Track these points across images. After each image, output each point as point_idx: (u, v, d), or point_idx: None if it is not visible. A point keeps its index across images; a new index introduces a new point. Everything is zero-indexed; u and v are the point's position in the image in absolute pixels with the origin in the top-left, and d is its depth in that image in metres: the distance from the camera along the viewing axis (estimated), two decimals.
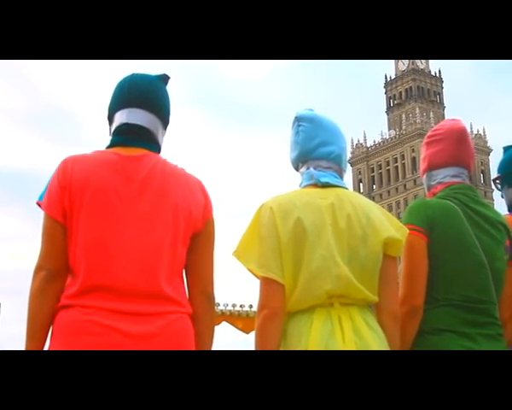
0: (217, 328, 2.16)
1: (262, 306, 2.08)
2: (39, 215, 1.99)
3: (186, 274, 2.04)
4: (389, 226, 2.14)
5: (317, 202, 2.13)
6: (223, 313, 11.44)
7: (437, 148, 2.46)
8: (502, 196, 2.76)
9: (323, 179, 2.18)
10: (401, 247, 2.16)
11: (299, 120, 2.28)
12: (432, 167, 2.48)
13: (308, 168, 2.23)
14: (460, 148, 2.44)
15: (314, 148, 2.23)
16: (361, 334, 2.02)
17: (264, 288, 2.09)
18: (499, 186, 2.77)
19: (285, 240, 2.08)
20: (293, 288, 2.07)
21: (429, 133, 2.54)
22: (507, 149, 2.78)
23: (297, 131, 2.27)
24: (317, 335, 2.01)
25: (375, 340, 2.03)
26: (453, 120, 2.54)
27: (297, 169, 2.30)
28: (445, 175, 2.44)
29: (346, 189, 2.23)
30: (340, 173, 2.25)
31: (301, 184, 2.25)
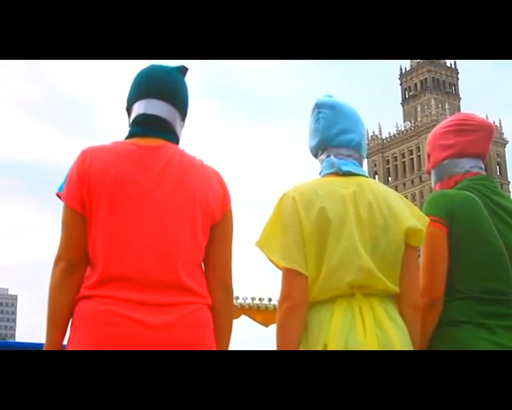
0: (236, 321, 2.15)
1: (284, 297, 2.06)
2: (54, 206, 2.01)
3: (204, 266, 2.04)
4: (410, 216, 2.12)
5: (339, 192, 2.10)
6: (242, 306, 11.39)
7: (470, 137, 2.46)
8: None
9: (345, 168, 2.15)
10: (422, 237, 2.13)
11: (319, 106, 2.25)
12: (461, 155, 2.46)
13: (328, 156, 2.20)
14: (488, 143, 2.48)
15: (334, 135, 2.20)
16: (382, 325, 2.01)
17: (286, 279, 2.07)
18: None
19: (308, 230, 2.05)
20: (316, 279, 2.05)
21: (457, 121, 2.51)
22: None
23: (317, 119, 2.24)
24: (338, 326, 1.99)
25: (395, 331, 2.02)
26: (473, 114, 2.55)
27: (316, 157, 2.27)
28: (473, 165, 2.45)
29: (367, 177, 2.21)
30: (359, 161, 2.23)
31: (321, 172, 2.22)
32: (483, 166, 2.47)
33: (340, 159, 2.18)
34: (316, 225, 2.05)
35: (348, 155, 2.19)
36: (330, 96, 2.28)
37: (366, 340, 1.97)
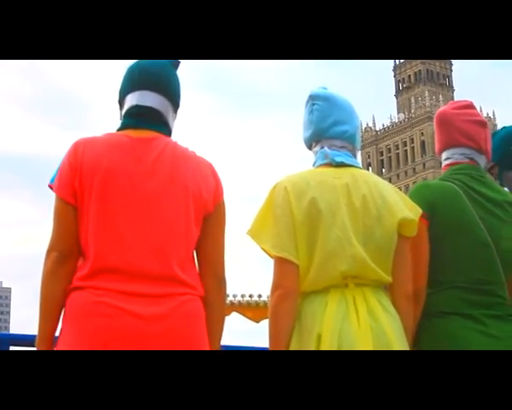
0: (227, 318, 2.15)
1: (276, 286, 2.07)
2: (47, 199, 2.01)
3: (197, 257, 2.04)
4: (403, 207, 2.13)
5: (331, 182, 2.11)
6: (232, 303, 11.45)
7: (436, 131, 2.51)
8: (501, 185, 2.66)
9: (338, 159, 2.16)
10: (415, 227, 2.14)
11: (313, 98, 2.25)
12: (440, 149, 2.49)
13: (322, 147, 2.21)
14: (441, 131, 2.46)
15: (328, 127, 2.20)
16: (375, 315, 2.02)
17: (278, 268, 2.08)
18: (496, 176, 2.72)
19: (299, 220, 2.06)
20: (308, 268, 2.05)
21: None
22: (492, 136, 2.70)
23: (311, 110, 2.24)
24: (331, 316, 2.00)
25: (389, 320, 2.03)
26: (446, 104, 2.56)
27: (310, 148, 2.28)
28: (443, 159, 2.47)
29: (361, 168, 2.22)
30: (353, 153, 2.23)
31: (315, 163, 2.23)
32: (462, 151, 2.40)
33: (333, 150, 2.18)
34: (307, 215, 2.06)
35: (342, 147, 2.20)
36: (324, 88, 2.28)
37: (360, 330, 1.98)
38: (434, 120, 2.49)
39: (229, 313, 10.89)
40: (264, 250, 2.11)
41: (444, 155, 2.45)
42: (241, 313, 11.71)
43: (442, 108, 2.50)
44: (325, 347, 1.96)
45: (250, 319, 11.71)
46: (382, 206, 2.10)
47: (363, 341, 1.97)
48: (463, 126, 2.42)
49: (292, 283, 2.05)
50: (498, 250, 2.26)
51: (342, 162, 2.16)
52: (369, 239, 2.07)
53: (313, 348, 1.98)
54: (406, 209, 2.13)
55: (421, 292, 2.22)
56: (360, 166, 2.23)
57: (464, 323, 2.19)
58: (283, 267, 2.06)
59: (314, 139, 2.24)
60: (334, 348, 1.96)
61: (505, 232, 2.29)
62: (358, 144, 2.28)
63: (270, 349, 2.06)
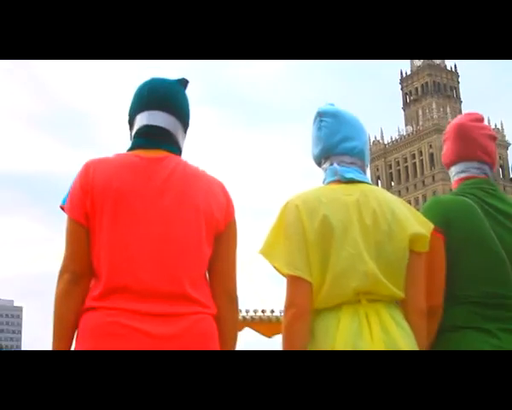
0: (240, 333, 2.15)
1: (289, 304, 2.06)
2: (57, 217, 2.02)
3: (209, 275, 2.04)
4: (414, 222, 2.13)
5: (342, 199, 2.11)
6: (245, 319, 11.47)
7: (446, 147, 2.50)
8: None
9: (348, 175, 2.16)
10: (427, 242, 2.13)
11: (321, 115, 2.25)
12: (447, 166, 2.50)
13: (331, 164, 2.21)
14: (461, 143, 2.43)
15: (337, 143, 2.21)
16: (388, 331, 2.01)
17: (291, 286, 2.07)
18: None
19: (312, 238, 2.06)
20: (321, 286, 2.05)
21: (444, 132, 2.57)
22: None
23: (319, 127, 2.24)
24: (344, 332, 1.99)
25: (402, 337, 2.02)
26: (460, 115, 2.55)
27: (319, 165, 2.28)
28: (455, 172, 2.45)
29: (370, 184, 2.21)
30: (363, 168, 2.23)
31: (325, 180, 2.23)
32: (477, 165, 2.41)
33: (342, 166, 2.19)
34: (319, 233, 2.06)
35: (351, 163, 2.20)
36: (332, 105, 2.29)
37: (373, 345, 1.97)
38: (450, 131, 2.47)
39: (241, 329, 10.91)
40: (277, 269, 2.10)
41: (458, 168, 2.44)
42: (253, 329, 11.71)
43: (459, 120, 2.48)
44: None
45: (262, 334, 11.70)
46: (393, 221, 2.09)
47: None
48: (482, 141, 2.43)
49: (305, 301, 2.04)
50: None
51: (352, 179, 2.16)
52: (380, 255, 2.07)
53: None
54: (417, 225, 2.13)
55: (437, 308, 2.21)
56: (370, 182, 2.23)
57: (479, 337, 2.17)
58: (296, 286, 2.06)
59: (323, 156, 2.24)
60: None
61: None
62: (367, 160, 2.28)
63: None
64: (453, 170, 2.46)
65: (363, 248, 2.05)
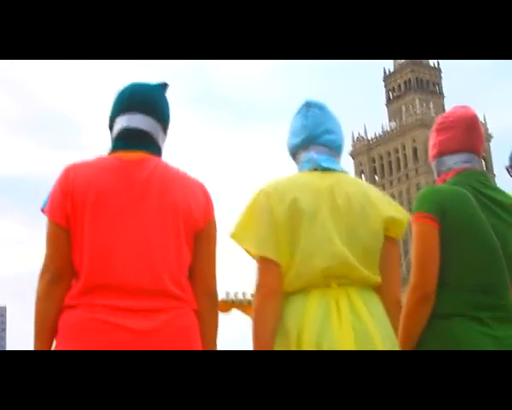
0: (227, 315, 2.16)
1: (258, 286, 2.09)
2: (40, 219, 2.03)
3: (189, 273, 2.07)
4: (389, 207, 2.16)
5: (315, 183, 2.14)
6: (233, 301, 11.63)
7: (448, 134, 2.47)
8: None
9: (324, 164, 2.19)
10: (403, 228, 2.16)
11: (309, 105, 2.30)
12: (443, 153, 2.48)
13: (309, 153, 2.23)
14: (470, 134, 2.45)
15: (321, 133, 2.24)
16: (360, 316, 2.01)
17: (261, 267, 2.09)
18: (511, 174, 2.78)
19: (281, 220, 2.08)
20: (290, 268, 2.07)
21: (439, 120, 2.54)
22: None
23: (306, 116, 2.27)
24: (312, 316, 2.00)
25: (374, 322, 2.02)
26: (463, 107, 2.53)
27: (294, 155, 2.31)
28: (456, 161, 2.44)
29: (347, 173, 2.24)
30: (339, 162, 2.27)
31: (301, 168, 2.25)
32: (476, 158, 2.45)
33: (321, 155, 2.21)
34: (288, 216, 2.09)
35: (330, 155, 2.24)
36: (318, 100, 2.34)
37: (341, 329, 1.98)
38: (460, 121, 2.45)
39: (229, 310, 11.02)
40: (247, 251, 2.14)
41: (460, 158, 2.44)
42: (241, 311, 11.83)
43: (471, 111, 2.48)
44: (305, 346, 1.96)
45: (250, 315, 11.77)
46: (367, 204, 2.12)
47: (344, 340, 1.96)
48: (482, 135, 2.50)
49: (274, 282, 2.06)
50: (506, 254, 2.28)
51: (328, 167, 2.19)
52: (352, 237, 2.08)
53: (293, 349, 1.98)
54: (392, 210, 2.16)
55: (430, 296, 2.22)
56: (347, 171, 2.25)
57: (470, 325, 2.19)
58: (266, 267, 2.08)
59: (303, 145, 2.26)
60: (313, 347, 1.95)
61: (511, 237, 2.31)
62: (341, 155, 2.32)
63: (254, 349, 2.06)
64: (453, 158, 2.44)
65: (333, 231, 2.07)
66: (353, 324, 1.99)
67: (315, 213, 2.09)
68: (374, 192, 2.19)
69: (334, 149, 2.26)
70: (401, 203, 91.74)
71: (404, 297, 2.27)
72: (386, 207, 2.15)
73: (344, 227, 2.09)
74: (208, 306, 2.06)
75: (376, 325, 2.02)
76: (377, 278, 2.10)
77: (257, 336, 2.07)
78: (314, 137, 2.25)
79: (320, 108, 2.29)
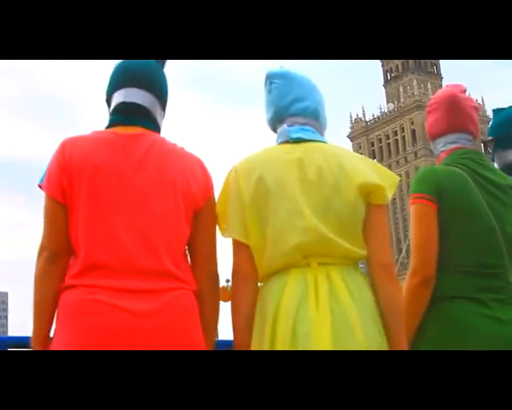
0: (227, 304, 2.13)
1: (234, 270, 2.03)
2: (40, 202, 2.01)
3: (189, 253, 2.04)
4: (367, 173, 2.03)
5: (281, 157, 2.05)
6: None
7: (433, 117, 2.48)
8: (492, 160, 2.71)
9: (294, 135, 2.08)
10: (384, 194, 2.04)
11: (270, 77, 2.19)
12: (433, 137, 2.49)
13: (282, 126, 2.14)
14: (452, 114, 2.42)
15: (289, 104, 2.13)
16: (338, 297, 1.91)
17: (233, 251, 2.04)
18: (491, 150, 2.75)
19: (248, 199, 2.01)
20: (263, 248, 1.99)
21: (429, 102, 2.55)
22: (497, 111, 2.76)
23: (270, 89, 2.17)
24: (288, 298, 1.91)
25: (354, 306, 1.92)
26: (447, 86, 2.53)
27: (275, 130, 2.19)
28: (444, 143, 2.44)
29: (325, 142, 2.12)
30: (318, 128, 2.15)
31: (276, 143, 2.16)
32: (467, 136, 2.43)
33: (293, 127, 2.11)
34: (255, 194, 2.01)
35: (305, 123, 2.12)
36: (281, 67, 2.22)
37: (318, 312, 1.89)
38: (441, 102, 2.44)
39: (229, 299, 11.00)
40: (221, 235, 2.07)
41: (448, 139, 2.43)
42: None
43: (450, 91, 2.46)
44: (280, 331, 1.89)
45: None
46: (340, 174, 2.00)
47: (320, 324, 1.87)
48: (470, 112, 2.45)
49: (248, 266, 2.00)
50: (504, 235, 2.27)
51: (299, 138, 2.08)
52: (328, 211, 1.98)
53: (269, 333, 1.91)
54: (371, 175, 2.03)
55: (431, 278, 2.21)
56: (322, 139, 2.13)
57: (470, 307, 2.19)
58: (238, 250, 2.03)
59: (277, 119, 2.16)
60: (289, 331, 1.87)
61: (510, 217, 2.30)
62: (324, 120, 2.19)
63: (233, 337, 2.02)
64: (442, 140, 2.44)
65: (305, 205, 1.97)
66: (331, 306, 1.89)
67: (282, 188, 1.99)
68: (351, 159, 2.06)
69: (310, 116, 2.13)
70: (400, 187, 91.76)
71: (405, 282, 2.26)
72: (363, 173, 2.02)
73: (317, 200, 1.98)
74: (209, 287, 2.03)
75: (357, 307, 1.92)
76: (361, 252, 2.00)
77: (235, 323, 2.02)
78: (282, 109, 2.14)
79: (282, 76, 2.17)
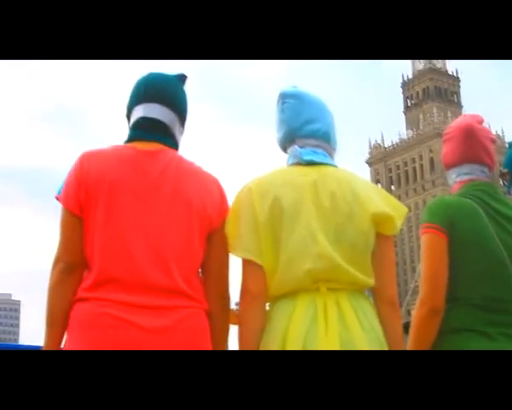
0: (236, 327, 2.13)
1: (243, 290, 2.01)
2: (55, 211, 2.03)
3: (202, 273, 2.04)
4: (378, 202, 2.03)
5: (297, 180, 2.04)
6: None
7: (448, 147, 2.46)
8: (509, 193, 2.68)
9: (307, 157, 2.07)
10: (394, 224, 2.04)
11: (283, 97, 2.17)
12: (447, 167, 2.48)
13: (293, 147, 2.13)
14: (467, 145, 2.40)
15: (301, 126, 2.13)
16: (347, 325, 1.91)
17: (244, 270, 2.02)
18: (506, 182, 2.73)
19: (262, 220, 1.99)
20: (275, 270, 1.98)
21: (445, 131, 2.53)
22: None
23: (282, 109, 2.16)
24: (298, 322, 1.91)
25: (363, 333, 1.92)
26: (464, 116, 2.52)
27: (285, 150, 2.18)
28: (458, 174, 2.42)
29: (335, 167, 2.12)
30: (329, 151, 2.14)
31: (287, 163, 2.15)
32: (481, 168, 2.40)
33: (305, 149, 2.11)
34: (270, 215, 1.99)
35: (316, 146, 2.11)
36: (294, 87, 2.22)
37: (327, 338, 1.89)
38: (456, 132, 2.42)
39: (237, 323, 10.92)
40: (230, 252, 2.05)
41: (462, 169, 2.41)
42: None
43: (466, 121, 2.44)
44: None
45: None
46: (353, 202, 2.00)
47: (329, 349, 1.86)
48: (485, 143, 2.42)
49: (258, 286, 1.98)
50: None
51: (311, 160, 2.08)
52: (341, 238, 1.98)
53: None
54: (383, 205, 2.03)
55: (439, 309, 2.19)
56: (333, 163, 2.13)
57: (479, 340, 2.16)
58: (249, 270, 2.00)
59: (288, 140, 2.16)
60: None
61: None
62: (334, 143, 2.19)
63: (241, 349, 1.99)
64: (455, 171, 2.42)
65: (320, 230, 1.97)
66: (340, 333, 1.90)
67: (297, 211, 1.99)
68: (363, 187, 2.06)
69: (321, 138, 2.13)
70: (417, 216, 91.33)
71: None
72: (374, 202, 2.02)
73: (331, 227, 1.98)
74: (219, 307, 2.03)
75: (365, 334, 1.92)
76: (370, 281, 2.00)
77: (242, 343, 1.99)
78: (294, 130, 2.13)
79: (295, 97, 2.15)
